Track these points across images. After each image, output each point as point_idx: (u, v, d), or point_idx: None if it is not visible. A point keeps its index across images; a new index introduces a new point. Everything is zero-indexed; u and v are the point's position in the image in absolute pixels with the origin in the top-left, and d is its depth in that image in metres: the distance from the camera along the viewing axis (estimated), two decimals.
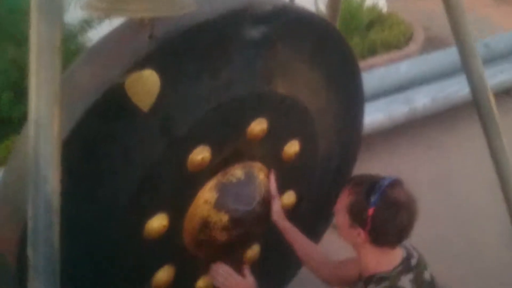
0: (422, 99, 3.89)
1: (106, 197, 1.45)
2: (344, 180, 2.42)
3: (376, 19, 5.60)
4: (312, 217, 2.25)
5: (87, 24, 3.46)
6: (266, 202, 1.87)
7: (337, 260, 1.93)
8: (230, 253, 1.91)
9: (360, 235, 1.49)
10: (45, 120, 1.06)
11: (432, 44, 5.71)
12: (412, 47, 5.32)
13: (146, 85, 1.34)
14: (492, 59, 4.57)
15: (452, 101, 4.11)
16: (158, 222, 1.61)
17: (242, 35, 1.56)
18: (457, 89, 4.14)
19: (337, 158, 2.25)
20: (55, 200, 1.09)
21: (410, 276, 1.54)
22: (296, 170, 2.03)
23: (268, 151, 1.88)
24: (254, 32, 1.59)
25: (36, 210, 1.07)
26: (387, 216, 1.45)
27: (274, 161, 1.93)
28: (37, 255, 1.07)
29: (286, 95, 1.81)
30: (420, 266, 1.59)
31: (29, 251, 1.07)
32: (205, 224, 1.74)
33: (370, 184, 1.48)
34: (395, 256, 1.55)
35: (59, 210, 1.10)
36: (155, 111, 1.42)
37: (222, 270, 1.79)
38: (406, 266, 1.55)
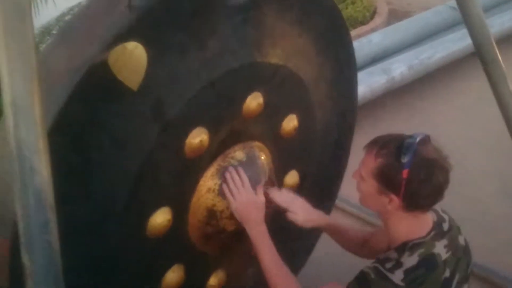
0: (399, 68, 3.83)
1: (101, 193, 1.28)
2: (344, 153, 2.35)
3: None
4: (317, 195, 2.11)
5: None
6: (273, 182, 1.73)
7: (365, 232, 1.82)
8: (239, 245, 1.77)
9: (392, 201, 1.36)
10: (23, 101, 0.88)
11: (396, 16, 5.70)
12: (377, 20, 5.29)
13: (132, 60, 1.18)
14: (460, 21, 4.55)
15: (427, 66, 4.07)
16: (161, 217, 1.45)
17: None
18: (430, 54, 4.12)
19: (335, 131, 2.14)
20: (48, 193, 0.91)
21: (444, 241, 1.43)
22: (296, 147, 1.91)
23: (266, 128, 1.74)
24: None
25: (26, 208, 0.89)
26: (424, 176, 1.31)
27: (274, 139, 1.79)
28: (35, 261, 0.88)
29: (278, 65, 1.67)
30: (453, 230, 1.48)
31: (24, 258, 0.89)
32: (212, 214, 1.59)
33: (400, 144, 1.33)
34: (427, 220, 1.44)
35: (54, 205, 0.93)
36: (145, 91, 1.27)
37: (236, 178, 1.55)
38: (439, 231, 1.44)
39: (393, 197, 1.35)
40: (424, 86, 4.26)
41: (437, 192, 1.35)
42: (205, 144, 1.49)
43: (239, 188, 1.56)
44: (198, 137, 1.46)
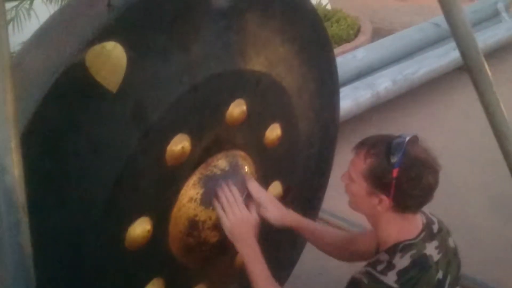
0: (384, 83, 3.85)
1: (77, 201, 1.23)
2: (327, 166, 2.33)
3: (323, 16, 5.60)
4: (300, 207, 2.08)
5: None
6: None
7: (346, 235, 1.78)
8: (222, 258, 1.72)
9: (383, 202, 1.34)
10: None
11: (380, 35, 5.77)
12: (362, 38, 5.35)
13: (110, 60, 1.15)
14: (443, 38, 4.63)
15: (412, 82, 4.11)
16: (141, 227, 1.39)
17: (208, 3, 1.39)
18: (414, 69, 4.16)
19: (318, 142, 2.11)
20: (19, 194, 0.86)
21: (435, 243, 1.41)
22: (279, 157, 1.87)
23: (249, 137, 1.71)
24: (221, 0, 1.42)
25: None
26: (414, 176, 1.30)
27: (257, 148, 1.76)
28: (4, 266, 0.83)
29: (261, 73, 1.65)
30: (443, 232, 1.46)
31: None
32: (193, 225, 1.54)
33: (389, 143, 1.32)
34: (417, 222, 1.42)
35: (26, 206, 0.88)
36: (125, 94, 1.23)
37: (228, 194, 1.50)
38: (428, 232, 1.42)
39: (383, 197, 1.33)
40: (409, 101, 4.30)
41: (427, 193, 1.33)
42: (187, 151, 1.45)
43: (232, 205, 1.51)
44: (180, 144, 1.42)
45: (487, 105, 1.67)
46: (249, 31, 1.56)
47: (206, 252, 1.63)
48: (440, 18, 5.01)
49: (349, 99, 3.46)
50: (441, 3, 1.70)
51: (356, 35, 5.45)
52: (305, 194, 2.13)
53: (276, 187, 1.91)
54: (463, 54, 1.67)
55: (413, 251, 1.35)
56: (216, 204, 1.51)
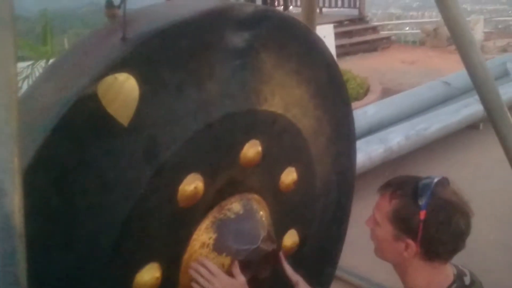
0: (396, 138, 3.80)
1: (83, 242, 1.15)
2: (345, 216, 2.24)
3: None
4: (317, 259, 1.98)
5: None
6: (273, 239, 1.59)
7: None
8: None
9: (409, 247, 1.24)
10: None
11: (388, 95, 5.82)
12: (371, 97, 5.39)
13: (122, 92, 1.11)
14: (453, 96, 4.64)
15: (425, 138, 4.06)
16: (149, 274, 1.30)
17: (224, 41, 1.38)
18: (426, 125, 4.13)
19: (335, 190, 2.04)
20: (17, 220, 0.79)
21: None
22: (295, 203, 1.79)
23: (264, 180, 1.64)
24: (236, 39, 1.41)
25: None
26: (442, 219, 1.21)
27: (272, 192, 1.68)
28: None
29: (277, 114, 1.61)
30: (476, 285, 1.34)
31: None
32: None
33: (416, 184, 1.24)
34: (447, 273, 1.30)
35: (23, 234, 0.80)
36: (137, 129, 1.18)
37: (203, 270, 1.38)
38: (460, 284, 1.29)
39: (410, 242, 1.23)
40: (422, 158, 4.23)
41: (458, 238, 1.23)
42: (200, 192, 1.38)
43: (210, 281, 1.39)
44: (192, 184, 1.35)
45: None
46: (265, 71, 1.54)
47: None
48: (449, 77, 5.06)
49: (362, 153, 3.40)
50: (461, 52, 1.67)
51: (366, 94, 5.50)
52: (323, 245, 2.03)
53: (292, 235, 1.82)
54: (486, 107, 1.63)
55: None
56: (195, 284, 1.40)
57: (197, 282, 1.40)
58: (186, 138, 1.32)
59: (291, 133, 1.70)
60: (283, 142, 1.68)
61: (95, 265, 1.19)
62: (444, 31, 10.74)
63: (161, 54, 1.23)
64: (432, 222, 1.20)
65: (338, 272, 2.38)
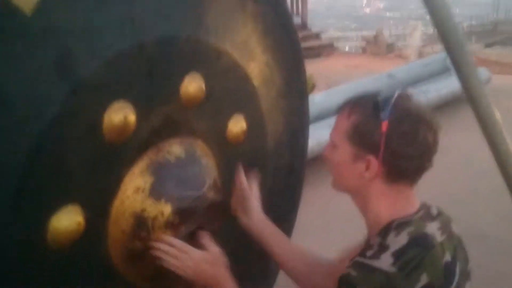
0: None
1: None
2: (298, 184, 2.06)
3: None
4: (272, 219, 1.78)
5: None
6: (220, 188, 1.38)
7: (332, 259, 1.45)
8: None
9: (371, 165, 1.09)
10: None
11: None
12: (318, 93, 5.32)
13: None
14: (397, 88, 4.66)
15: None
16: (68, 218, 1.07)
17: None
18: None
19: (287, 152, 1.86)
20: None
21: (436, 224, 1.14)
22: (245, 158, 1.60)
23: (209, 125, 1.44)
24: None
25: None
26: (406, 129, 1.06)
27: (219, 141, 1.48)
28: None
29: (221, 50, 1.42)
30: (443, 216, 1.19)
31: None
32: (141, 223, 1.21)
33: (377, 97, 1.10)
34: (413, 199, 1.15)
35: None
36: (46, 30, 0.95)
37: (170, 249, 1.22)
38: (427, 212, 1.15)
39: (371, 158, 1.08)
40: None
41: (424, 153, 1.08)
42: (130, 125, 1.16)
43: (180, 258, 1.22)
44: (121, 113, 1.13)
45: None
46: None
47: (158, 265, 1.27)
48: (394, 70, 5.10)
49: (310, 139, 3.26)
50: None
51: (311, 90, 5.42)
52: (274, 212, 1.83)
53: None
54: (467, 94, 1.56)
55: (411, 228, 1.08)
56: (167, 264, 1.23)
57: (168, 264, 1.22)
58: (110, 56, 1.10)
59: (238, 75, 1.51)
60: (229, 83, 1.49)
61: None
62: (384, 38, 11.03)
63: None
64: (395, 133, 1.06)
65: None
